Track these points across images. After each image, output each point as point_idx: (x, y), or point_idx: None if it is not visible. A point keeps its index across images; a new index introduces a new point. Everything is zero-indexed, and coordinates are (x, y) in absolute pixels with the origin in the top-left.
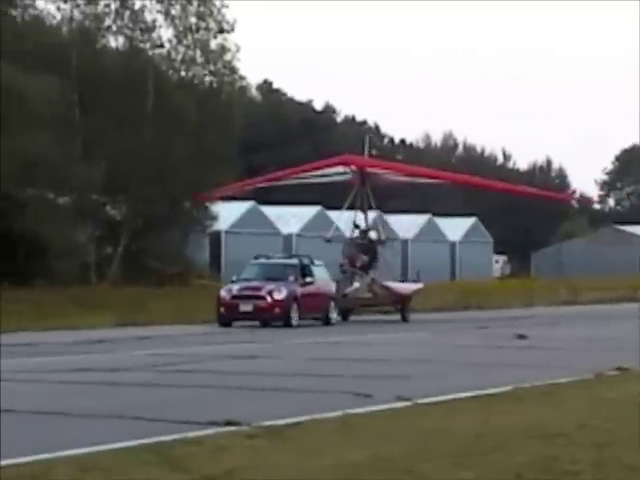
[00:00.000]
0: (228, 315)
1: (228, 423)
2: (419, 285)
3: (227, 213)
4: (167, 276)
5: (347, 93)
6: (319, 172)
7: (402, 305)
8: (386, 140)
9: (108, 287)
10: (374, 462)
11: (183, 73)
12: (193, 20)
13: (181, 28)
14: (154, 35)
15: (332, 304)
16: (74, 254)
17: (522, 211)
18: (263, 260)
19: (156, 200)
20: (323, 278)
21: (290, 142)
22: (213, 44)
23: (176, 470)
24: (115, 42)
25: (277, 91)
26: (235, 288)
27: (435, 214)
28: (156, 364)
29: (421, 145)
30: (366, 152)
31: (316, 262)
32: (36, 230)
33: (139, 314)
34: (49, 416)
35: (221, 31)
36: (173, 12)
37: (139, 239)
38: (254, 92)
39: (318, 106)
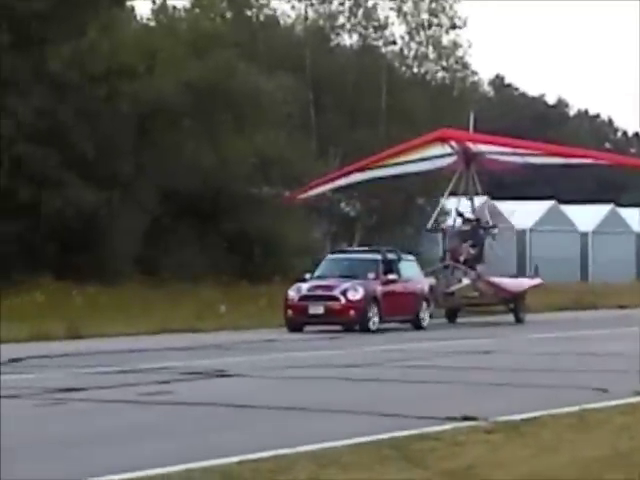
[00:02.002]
0: (297, 318)
1: (465, 418)
2: (536, 281)
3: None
4: None
5: (580, 86)
6: (414, 156)
7: (515, 304)
8: (619, 134)
9: None
10: (612, 458)
11: (415, 69)
12: (425, 17)
13: (413, 25)
14: (387, 32)
15: (424, 304)
16: (310, 250)
17: None
18: (340, 255)
19: (389, 196)
20: (413, 275)
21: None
22: (445, 40)
23: (415, 466)
24: (349, 40)
25: (509, 86)
26: (305, 287)
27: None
28: (388, 360)
29: None
30: (471, 127)
31: (406, 257)
32: (272, 227)
33: None
34: (289, 411)
35: (453, 27)
36: (405, 9)
37: (373, 235)
38: (486, 87)
39: (550, 100)
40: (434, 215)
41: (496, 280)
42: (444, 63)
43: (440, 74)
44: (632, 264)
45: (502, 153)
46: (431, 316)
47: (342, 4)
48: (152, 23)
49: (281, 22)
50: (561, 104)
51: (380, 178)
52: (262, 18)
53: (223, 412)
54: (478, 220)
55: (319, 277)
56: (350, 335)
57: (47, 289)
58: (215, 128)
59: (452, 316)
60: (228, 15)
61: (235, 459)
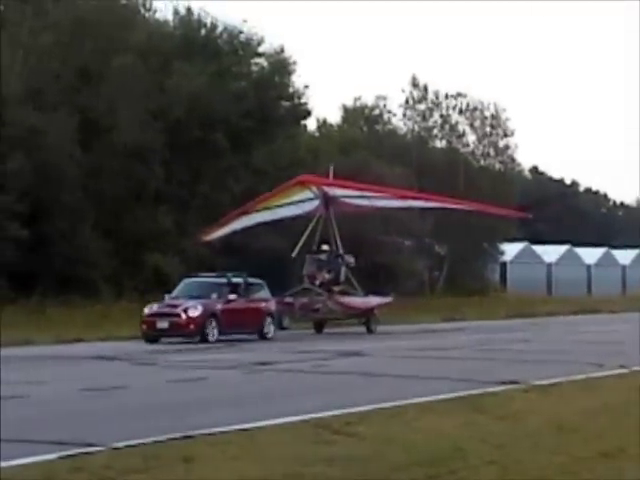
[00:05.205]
0: (149, 332)
1: (512, 382)
2: (386, 299)
3: (509, 249)
4: (474, 290)
5: (587, 168)
6: (283, 200)
7: (366, 318)
8: (610, 203)
9: (436, 297)
10: (602, 407)
11: (482, 163)
12: (488, 129)
13: (481, 134)
14: (464, 139)
15: (269, 319)
16: (415, 277)
17: None
18: (193, 279)
19: (465, 241)
20: (259, 295)
21: (548, 206)
22: (501, 143)
23: (479, 412)
24: (439, 144)
25: (542, 173)
26: (155, 306)
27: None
28: (471, 345)
29: None
30: (330, 176)
31: (255, 281)
32: (390, 262)
33: (456, 313)
34: (403, 378)
35: (505, 135)
36: (475, 124)
37: (456, 266)
38: (527, 173)
39: (567, 181)
40: (298, 246)
41: (346, 299)
42: (500, 158)
43: (497, 165)
44: None
45: (353, 196)
46: (284, 328)
47: (435, 121)
48: (316, 133)
49: (397, 133)
50: (574, 184)
51: (264, 223)
52: (386, 130)
53: (357, 378)
54: (332, 251)
55: (174, 297)
56: (450, 330)
57: None
58: None
59: (319, 328)
60: (364, 128)
61: (366, 408)
